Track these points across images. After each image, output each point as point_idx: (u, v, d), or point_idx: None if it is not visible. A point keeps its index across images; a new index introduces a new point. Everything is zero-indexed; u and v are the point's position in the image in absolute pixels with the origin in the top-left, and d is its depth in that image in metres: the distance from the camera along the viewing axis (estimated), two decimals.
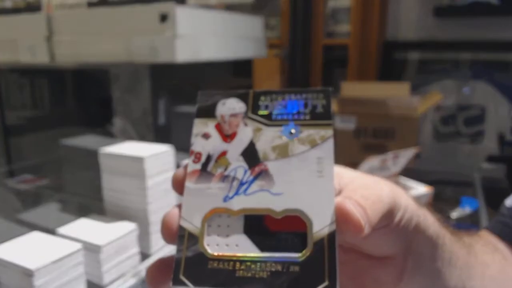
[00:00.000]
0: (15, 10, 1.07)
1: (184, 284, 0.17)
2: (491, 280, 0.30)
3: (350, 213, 0.17)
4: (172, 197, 0.64)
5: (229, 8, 1.07)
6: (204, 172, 0.19)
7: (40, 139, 0.89)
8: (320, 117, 0.20)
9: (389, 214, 0.20)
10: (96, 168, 0.63)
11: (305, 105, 0.20)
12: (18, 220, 0.72)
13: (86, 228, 0.56)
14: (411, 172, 1.04)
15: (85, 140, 0.78)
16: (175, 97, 0.77)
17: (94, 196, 0.73)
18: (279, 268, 0.17)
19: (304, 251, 0.17)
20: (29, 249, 0.49)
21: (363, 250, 0.23)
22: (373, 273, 0.23)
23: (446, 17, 1.45)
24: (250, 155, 0.19)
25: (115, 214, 0.62)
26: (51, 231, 0.55)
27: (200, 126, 0.20)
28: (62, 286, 0.48)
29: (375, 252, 0.23)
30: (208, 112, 0.21)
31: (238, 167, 0.19)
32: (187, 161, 0.20)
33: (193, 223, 0.18)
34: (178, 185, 0.19)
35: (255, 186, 0.19)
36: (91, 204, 0.74)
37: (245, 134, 0.20)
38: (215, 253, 0.17)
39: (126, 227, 0.57)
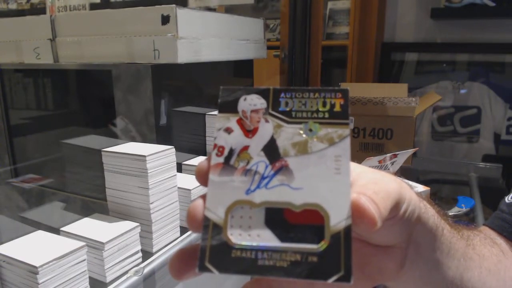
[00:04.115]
0: (20, 12, 1.08)
1: (209, 270, 0.18)
2: (488, 272, 0.31)
3: (365, 208, 0.19)
4: (174, 196, 0.65)
5: (230, 10, 1.08)
6: (227, 165, 0.20)
7: (43, 139, 0.90)
8: (338, 116, 0.20)
9: (395, 207, 0.21)
10: (98, 168, 0.64)
11: (324, 104, 0.21)
12: (23, 218, 0.73)
13: (89, 227, 0.57)
14: (408, 171, 1.05)
15: (87, 140, 0.79)
16: (176, 97, 0.77)
17: (97, 195, 0.74)
18: (298, 258, 0.18)
19: (321, 243, 0.18)
20: (34, 247, 0.49)
21: (368, 239, 0.24)
22: (376, 261, 0.24)
23: (443, 19, 1.47)
24: (271, 150, 0.20)
25: (118, 213, 0.63)
26: (55, 230, 0.55)
27: (223, 120, 0.21)
28: (66, 283, 0.48)
29: (379, 241, 0.24)
30: (230, 108, 0.21)
31: (259, 161, 0.20)
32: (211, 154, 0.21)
33: (217, 214, 0.19)
34: (202, 177, 0.20)
35: (275, 180, 0.19)
36: (94, 203, 0.75)
37: (266, 130, 0.21)
38: (238, 243, 0.18)
39: (128, 226, 0.57)
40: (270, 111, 0.21)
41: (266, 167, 0.20)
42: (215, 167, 0.20)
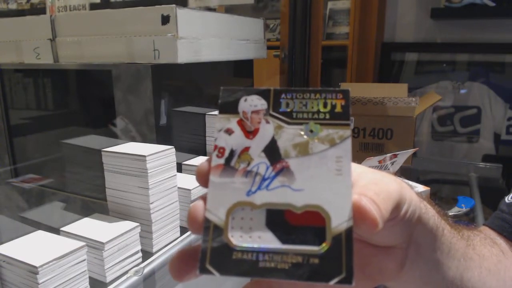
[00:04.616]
0: (20, 12, 1.08)
1: (210, 272, 0.18)
2: (488, 272, 0.31)
3: (367, 210, 0.18)
4: (174, 196, 0.65)
5: (230, 10, 1.08)
6: (228, 166, 0.20)
7: (43, 139, 0.90)
8: (339, 117, 0.20)
9: (396, 208, 0.21)
10: (98, 168, 0.64)
11: (324, 105, 0.21)
12: (23, 218, 0.73)
13: (89, 227, 0.57)
14: (408, 171, 1.05)
15: (87, 140, 0.79)
16: (176, 97, 0.78)
17: (97, 195, 0.74)
18: (300, 260, 0.18)
19: (323, 245, 0.18)
20: (34, 247, 0.49)
21: (369, 240, 0.24)
22: (376, 262, 0.24)
23: (443, 19, 1.47)
24: (272, 152, 0.20)
25: (118, 213, 0.63)
26: (55, 230, 0.55)
27: (223, 121, 0.21)
28: (66, 283, 0.49)
29: (379, 242, 0.24)
30: (230, 108, 0.21)
31: (260, 163, 0.20)
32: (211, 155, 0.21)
33: (218, 216, 0.19)
34: (203, 178, 0.20)
35: (276, 182, 0.19)
36: (94, 203, 0.75)
37: (266, 131, 0.20)
38: (239, 244, 0.18)
39: (128, 226, 0.57)
40: (271, 112, 0.21)
41: (267, 168, 0.20)
42: (216, 168, 0.20)
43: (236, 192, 0.19)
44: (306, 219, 0.19)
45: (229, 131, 0.21)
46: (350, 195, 0.19)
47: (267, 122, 0.21)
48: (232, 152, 0.20)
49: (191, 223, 0.19)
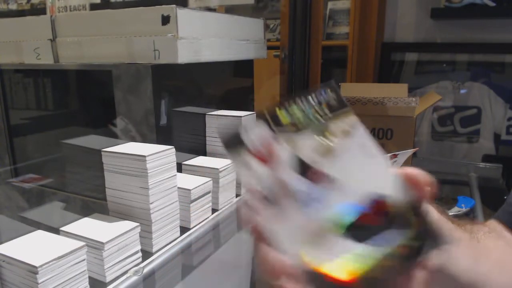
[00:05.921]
0: (20, 12, 1.08)
1: None
2: (493, 263, 0.32)
3: (415, 174, 0.19)
4: (174, 196, 0.65)
5: (230, 10, 1.08)
6: (268, 201, 0.20)
7: (43, 139, 0.90)
8: (337, 107, 0.21)
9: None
10: (98, 168, 0.64)
11: (319, 103, 0.21)
12: (23, 218, 0.73)
13: (89, 227, 0.57)
14: None
15: (87, 140, 0.79)
16: (176, 97, 0.78)
17: (97, 195, 0.74)
18: (389, 249, 0.18)
19: (406, 230, 0.18)
20: (33, 247, 0.49)
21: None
22: None
23: (443, 19, 1.47)
24: (300, 166, 0.20)
25: (118, 213, 0.63)
26: (54, 230, 0.55)
27: (237, 159, 0.21)
28: (66, 283, 0.49)
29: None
30: (236, 145, 0.21)
31: (296, 182, 0.20)
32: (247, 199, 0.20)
33: (297, 253, 0.19)
34: (255, 232, 0.20)
35: (320, 191, 0.19)
36: (94, 203, 0.75)
37: (282, 150, 0.20)
38: (331, 266, 0.18)
39: (128, 226, 0.57)
40: (276, 131, 0.21)
41: (305, 183, 0.19)
42: (260, 209, 0.20)
43: (294, 220, 0.19)
44: (371, 211, 0.19)
45: (248, 167, 0.20)
46: (392, 172, 0.19)
47: (277, 141, 0.20)
48: (263, 187, 0.20)
49: (271, 274, 0.19)
